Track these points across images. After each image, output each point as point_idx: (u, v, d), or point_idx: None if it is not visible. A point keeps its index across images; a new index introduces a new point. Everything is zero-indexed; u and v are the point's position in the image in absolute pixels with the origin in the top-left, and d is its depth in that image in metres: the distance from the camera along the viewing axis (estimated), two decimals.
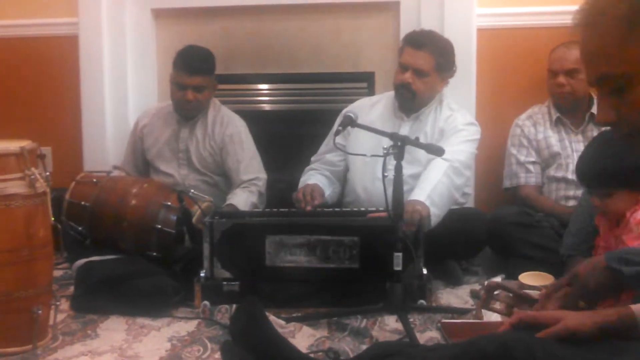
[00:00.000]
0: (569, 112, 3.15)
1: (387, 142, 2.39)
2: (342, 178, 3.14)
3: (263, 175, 3.23)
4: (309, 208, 2.81)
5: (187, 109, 3.19)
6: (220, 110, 3.29)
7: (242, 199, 3.04)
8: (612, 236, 2.25)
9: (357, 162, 3.02)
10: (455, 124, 2.94)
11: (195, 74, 3.10)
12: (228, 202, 3.02)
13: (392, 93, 3.07)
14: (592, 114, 3.12)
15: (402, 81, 2.93)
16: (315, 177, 3.07)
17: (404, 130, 2.93)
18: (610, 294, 1.65)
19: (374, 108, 3.07)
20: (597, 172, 2.18)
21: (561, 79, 3.06)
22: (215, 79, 3.22)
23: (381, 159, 2.27)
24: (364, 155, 2.69)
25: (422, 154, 2.76)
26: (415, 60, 2.90)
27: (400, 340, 2.14)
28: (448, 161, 2.73)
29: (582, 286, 1.56)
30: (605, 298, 1.66)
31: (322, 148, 3.19)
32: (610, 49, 1.16)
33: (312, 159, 3.19)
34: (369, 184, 2.97)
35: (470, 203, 3.19)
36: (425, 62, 2.90)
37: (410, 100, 2.96)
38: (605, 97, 1.23)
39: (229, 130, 3.21)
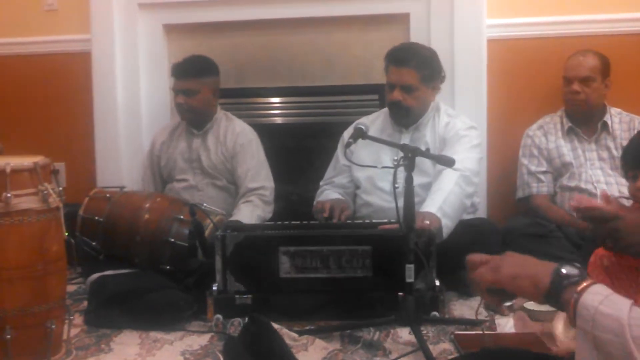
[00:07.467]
0: (581, 121, 3.14)
1: (387, 158, 2.38)
2: (354, 198, 3.14)
3: (270, 184, 3.25)
4: (335, 221, 2.82)
5: (180, 112, 3.26)
6: (233, 121, 3.33)
7: (246, 213, 3.05)
8: None
9: (360, 177, 3.03)
10: (456, 130, 2.93)
11: (183, 78, 3.19)
12: (232, 218, 3.01)
13: (387, 109, 3.09)
14: (604, 122, 3.10)
15: (392, 100, 2.94)
16: (335, 194, 3.07)
17: (405, 141, 2.91)
18: None
19: (373, 124, 3.04)
20: (629, 150, 2.13)
21: (576, 86, 3.06)
22: (212, 85, 3.25)
23: (386, 173, 2.27)
24: (375, 167, 2.69)
25: (428, 164, 2.76)
26: (400, 77, 2.91)
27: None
28: (458, 170, 2.72)
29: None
30: None
31: (330, 172, 3.18)
32: None
33: (321, 183, 3.18)
34: (373, 197, 2.97)
35: (482, 213, 3.17)
36: (410, 77, 2.90)
37: (405, 116, 2.98)
38: None
39: (240, 140, 3.25)
